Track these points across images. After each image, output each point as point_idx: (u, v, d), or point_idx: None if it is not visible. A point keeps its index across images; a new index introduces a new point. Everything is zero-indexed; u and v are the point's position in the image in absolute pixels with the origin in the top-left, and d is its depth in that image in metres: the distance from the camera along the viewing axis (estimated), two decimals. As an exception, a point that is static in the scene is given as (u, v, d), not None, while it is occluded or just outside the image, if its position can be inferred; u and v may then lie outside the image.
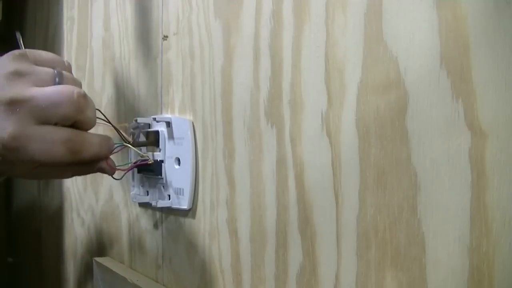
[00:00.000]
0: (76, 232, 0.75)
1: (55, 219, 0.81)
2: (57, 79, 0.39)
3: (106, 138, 0.42)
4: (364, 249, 0.33)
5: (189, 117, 0.49)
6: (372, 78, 0.32)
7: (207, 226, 0.47)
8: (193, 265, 0.49)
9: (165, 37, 0.52)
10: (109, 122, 0.45)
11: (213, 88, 0.45)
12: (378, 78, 0.32)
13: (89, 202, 0.70)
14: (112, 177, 0.50)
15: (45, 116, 0.37)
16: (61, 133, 0.38)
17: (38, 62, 0.41)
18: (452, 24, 0.28)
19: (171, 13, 0.51)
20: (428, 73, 0.29)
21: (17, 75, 0.38)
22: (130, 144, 0.47)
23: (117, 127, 0.46)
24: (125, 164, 0.52)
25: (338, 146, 0.34)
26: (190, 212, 0.49)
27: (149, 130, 0.50)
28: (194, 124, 0.48)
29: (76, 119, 0.39)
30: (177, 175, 0.49)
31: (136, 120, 0.51)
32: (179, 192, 0.49)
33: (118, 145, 0.47)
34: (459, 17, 0.27)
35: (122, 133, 0.46)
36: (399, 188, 0.31)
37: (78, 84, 0.41)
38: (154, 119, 0.49)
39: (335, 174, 0.34)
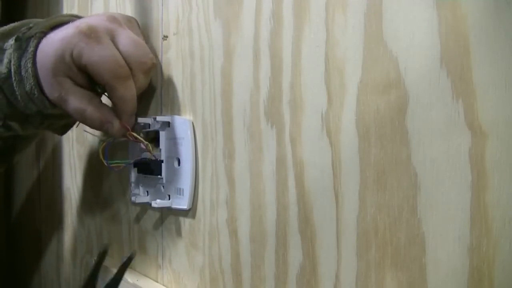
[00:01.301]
0: (76, 232, 0.75)
1: (55, 219, 0.81)
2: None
3: (134, 104, 0.48)
4: (364, 249, 0.33)
5: (189, 117, 0.49)
6: (372, 78, 0.32)
7: (207, 226, 0.47)
8: (193, 265, 0.49)
9: (165, 37, 0.52)
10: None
11: (213, 88, 0.45)
12: (378, 78, 0.32)
13: (89, 202, 0.70)
14: (110, 167, 0.50)
15: (117, 44, 0.45)
16: (118, 57, 0.45)
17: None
18: (452, 24, 0.28)
19: (171, 13, 0.51)
20: (428, 73, 0.29)
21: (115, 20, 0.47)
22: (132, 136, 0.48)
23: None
24: (123, 161, 0.52)
25: (338, 146, 0.34)
26: (190, 212, 0.49)
27: (149, 130, 0.50)
28: (194, 124, 0.48)
29: (134, 73, 0.46)
30: (177, 175, 0.49)
31: (136, 120, 0.51)
32: (179, 192, 0.49)
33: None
34: (459, 17, 0.27)
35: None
36: (399, 188, 0.31)
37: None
38: (154, 119, 0.49)
39: (335, 174, 0.34)
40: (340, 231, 0.34)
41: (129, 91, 0.46)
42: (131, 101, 0.47)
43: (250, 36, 0.41)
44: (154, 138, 0.51)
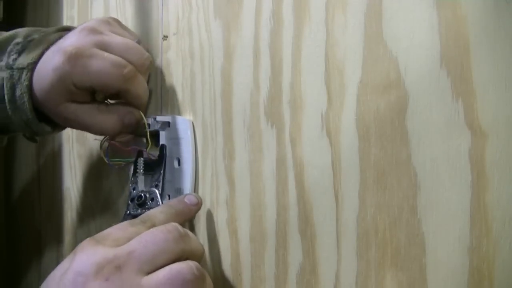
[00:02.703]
0: (76, 232, 0.75)
1: (55, 219, 0.81)
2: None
3: (148, 92, 0.48)
4: (364, 249, 0.33)
5: (189, 117, 0.49)
6: (372, 78, 0.32)
7: (207, 226, 0.47)
8: (193, 265, 0.49)
9: (165, 37, 0.52)
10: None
11: (213, 88, 0.45)
12: (378, 78, 0.32)
13: (89, 202, 0.70)
14: (110, 165, 0.50)
15: (111, 52, 0.44)
16: (119, 60, 0.43)
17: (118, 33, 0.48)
18: (452, 24, 0.28)
19: (171, 13, 0.51)
20: (428, 73, 0.29)
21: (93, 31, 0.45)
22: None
23: None
24: (124, 159, 0.52)
25: (338, 146, 0.34)
26: (190, 212, 0.49)
27: (149, 130, 0.50)
28: (194, 124, 0.48)
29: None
30: (177, 175, 0.49)
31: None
32: (179, 192, 0.49)
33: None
34: (459, 17, 0.27)
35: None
36: (399, 188, 0.31)
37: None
38: (154, 119, 0.49)
39: (335, 174, 0.34)
40: (340, 231, 0.34)
41: (142, 86, 0.46)
42: (147, 93, 0.47)
43: (250, 36, 0.41)
44: (154, 138, 0.51)
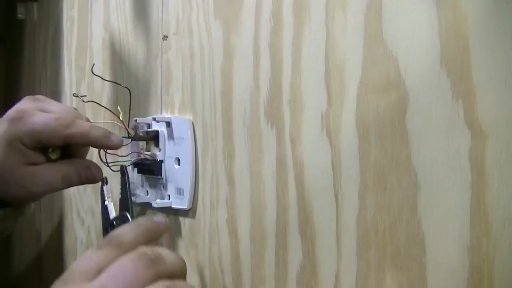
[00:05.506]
0: (76, 232, 0.75)
1: (55, 219, 0.81)
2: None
3: (99, 127, 0.47)
4: (364, 249, 0.33)
5: (189, 117, 0.49)
6: (372, 78, 0.32)
7: (207, 226, 0.47)
8: (193, 265, 0.49)
9: (165, 37, 0.52)
10: (113, 113, 0.49)
11: (213, 88, 0.46)
12: (378, 78, 0.32)
13: (89, 202, 0.70)
14: (110, 168, 0.50)
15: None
16: (56, 114, 0.45)
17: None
18: (452, 24, 0.28)
19: (171, 13, 0.51)
20: (428, 73, 0.29)
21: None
22: (131, 138, 0.48)
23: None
24: (123, 161, 0.52)
25: (338, 146, 0.34)
26: (190, 212, 0.49)
27: (149, 130, 0.50)
28: (194, 124, 0.48)
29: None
30: (177, 175, 0.49)
31: (135, 120, 0.51)
32: (179, 192, 0.49)
33: (123, 137, 0.49)
34: (459, 17, 0.27)
35: (126, 126, 0.49)
36: (399, 188, 0.31)
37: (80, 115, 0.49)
38: (154, 119, 0.49)
39: (335, 174, 0.34)
40: (340, 231, 0.34)
41: (85, 125, 0.46)
42: (94, 130, 0.46)
43: (250, 36, 0.41)
44: (154, 138, 0.51)
